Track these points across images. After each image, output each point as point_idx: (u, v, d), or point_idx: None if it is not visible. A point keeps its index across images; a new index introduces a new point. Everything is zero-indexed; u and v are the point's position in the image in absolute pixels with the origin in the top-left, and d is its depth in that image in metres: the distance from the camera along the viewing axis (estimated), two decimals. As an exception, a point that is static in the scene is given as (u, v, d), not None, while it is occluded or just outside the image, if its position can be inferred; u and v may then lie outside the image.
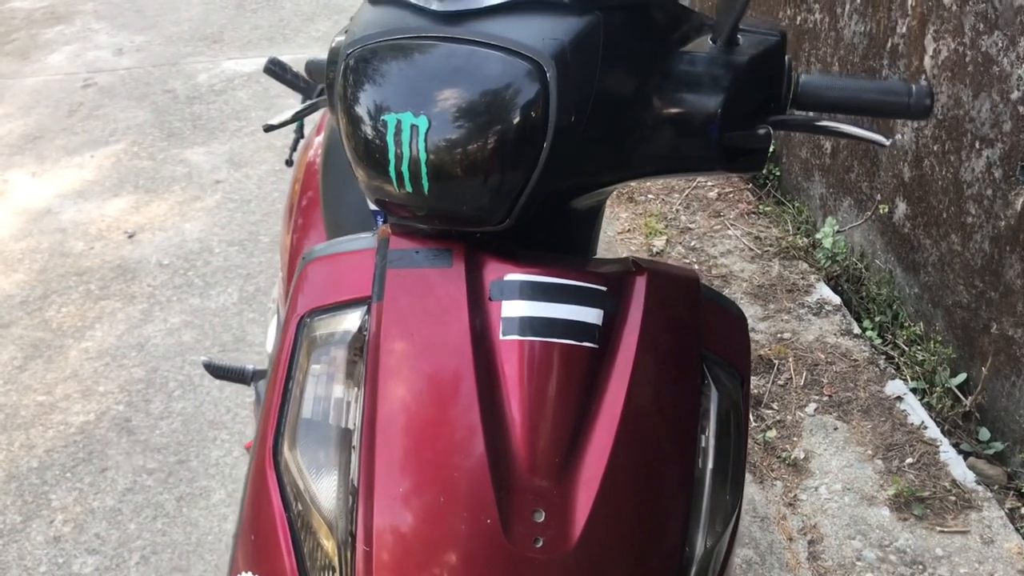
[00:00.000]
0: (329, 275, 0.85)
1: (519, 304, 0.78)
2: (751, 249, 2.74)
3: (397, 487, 0.75)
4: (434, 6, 0.77)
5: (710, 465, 0.81)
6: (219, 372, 1.74)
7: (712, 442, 0.82)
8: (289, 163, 1.89)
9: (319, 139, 1.64)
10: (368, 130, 0.78)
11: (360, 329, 0.80)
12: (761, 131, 0.79)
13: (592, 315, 0.78)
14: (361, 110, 0.79)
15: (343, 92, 0.81)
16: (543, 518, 0.74)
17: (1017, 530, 1.76)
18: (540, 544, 0.73)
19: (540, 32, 0.73)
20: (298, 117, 1.02)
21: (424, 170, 0.75)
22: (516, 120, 0.73)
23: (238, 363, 1.73)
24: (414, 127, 0.75)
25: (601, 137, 0.76)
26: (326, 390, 0.81)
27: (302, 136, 1.87)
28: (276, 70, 1.75)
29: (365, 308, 0.81)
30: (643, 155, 0.80)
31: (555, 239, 0.86)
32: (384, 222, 1.13)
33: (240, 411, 2.30)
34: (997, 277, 2.15)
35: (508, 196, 0.76)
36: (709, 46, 0.79)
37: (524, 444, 0.75)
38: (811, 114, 0.83)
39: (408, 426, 0.76)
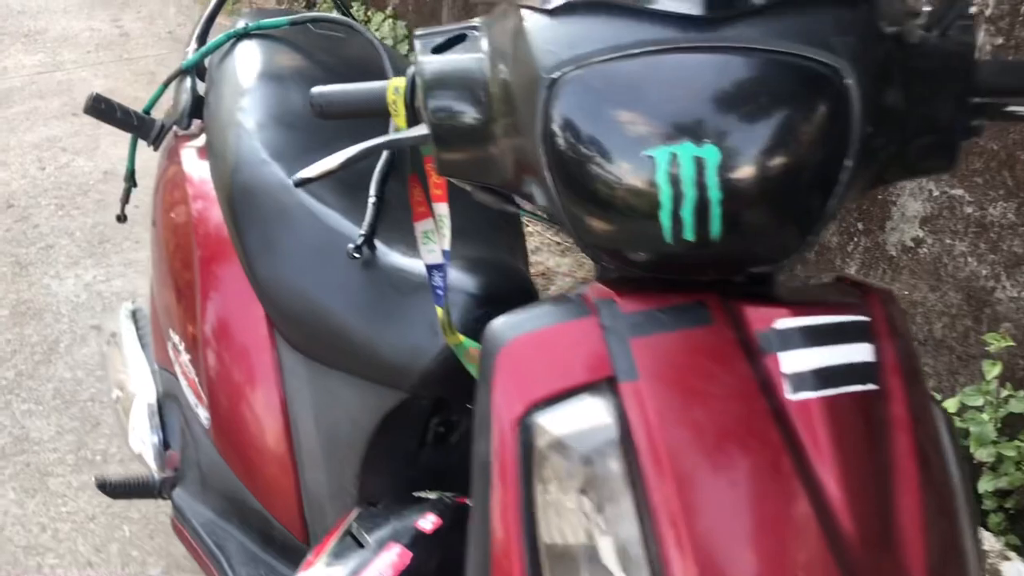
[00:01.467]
0: (542, 357, 0.67)
1: (799, 354, 0.66)
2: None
3: None
4: (684, 9, 0.62)
5: (957, 483, 0.75)
6: (120, 490, 1.40)
7: (952, 461, 0.75)
8: (123, 219, 1.56)
9: (192, 189, 1.34)
10: (618, 171, 0.62)
11: (617, 418, 0.64)
12: (975, 123, 0.73)
13: (867, 352, 0.68)
14: (598, 147, 0.62)
15: (552, 125, 0.63)
16: None
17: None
18: None
19: (826, 31, 0.61)
20: (351, 162, 0.80)
21: (716, 212, 0.61)
22: (819, 138, 0.61)
23: (135, 474, 1.40)
24: (699, 160, 0.60)
25: (881, 147, 0.66)
26: (598, 503, 0.64)
27: (135, 185, 1.55)
28: (102, 107, 1.42)
29: (606, 391, 0.65)
30: (898, 160, 0.71)
31: None
32: (443, 293, 0.90)
33: (60, 525, 1.89)
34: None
35: (803, 228, 0.64)
36: (922, 35, 0.71)
37: (848, 516, 0.64)
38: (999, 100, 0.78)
39: (723, 523, 0.62)
